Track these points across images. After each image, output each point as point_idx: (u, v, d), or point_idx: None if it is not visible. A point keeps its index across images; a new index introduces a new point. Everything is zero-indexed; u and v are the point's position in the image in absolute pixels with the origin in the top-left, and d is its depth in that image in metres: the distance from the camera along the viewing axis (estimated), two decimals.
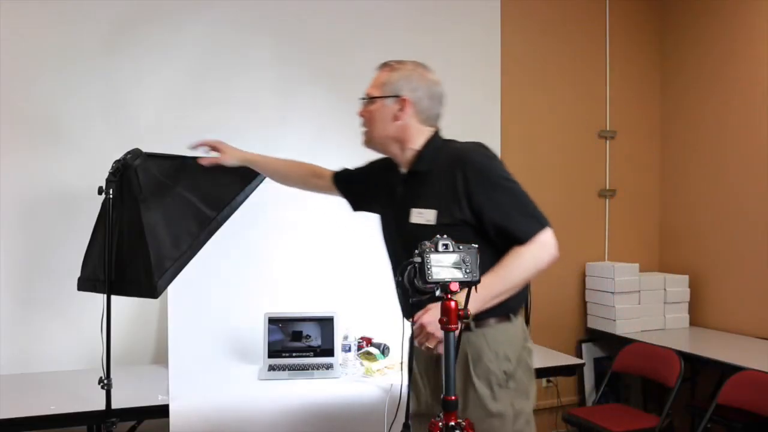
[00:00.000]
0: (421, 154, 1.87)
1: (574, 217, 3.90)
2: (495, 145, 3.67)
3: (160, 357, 2.88)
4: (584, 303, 3.91)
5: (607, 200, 4.02)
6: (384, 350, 2.84)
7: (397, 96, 1.86)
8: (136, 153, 2.22)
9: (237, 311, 2.93)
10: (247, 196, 2.39)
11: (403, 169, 1.92)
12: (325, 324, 2.84)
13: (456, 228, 1.76)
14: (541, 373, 2.97)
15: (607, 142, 4.01)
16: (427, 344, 1.72)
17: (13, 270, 2.79)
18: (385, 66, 1.94)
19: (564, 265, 3.84)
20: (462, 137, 3.67)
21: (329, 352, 2.81)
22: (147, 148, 2.29)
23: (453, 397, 1.75)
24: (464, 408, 1.81)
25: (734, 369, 2.91)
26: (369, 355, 2.77)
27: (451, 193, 1.78)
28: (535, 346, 3.15)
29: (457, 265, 1.77)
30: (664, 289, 3.79)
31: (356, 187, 2.14)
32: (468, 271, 1.78)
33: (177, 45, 3.04)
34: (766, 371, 2.79)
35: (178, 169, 2.30)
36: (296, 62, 3.24)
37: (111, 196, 2.13)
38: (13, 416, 2.20)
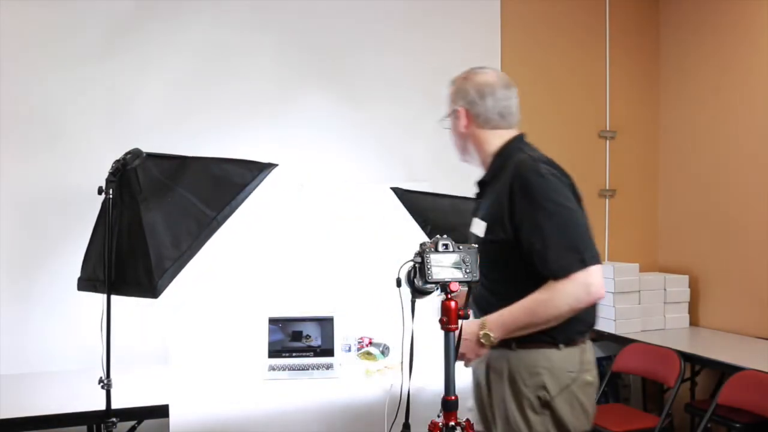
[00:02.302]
0: (492, 163, 1.85)
1: None
2: None
3: (160, 357, 2.88)
4: None
5: (607, 200, 4.02)
6: (384, 350, 2.84)
7: (455, 110, 1.89)
8: (136, 153, 2.22)
9: (237, 311, 2.93)
10: (247, 196, 2.39)
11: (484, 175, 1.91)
12: (325, 324, 2.84)
13: (498, 246, 1.72)
14: None
15: (607, 142, 4.01)
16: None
17: (13, 270, 2.79)
18: (450, 85, 1.96)
19: None
20: None
21: (329, 352, 2.81)
22: (147, 148, 2.29)
23: (453, 397, 1.75)
24: (495, 422, 1.80)
25: (734, 369, 2.91)
26: (369, 355, 2.77)
27: (499, 209, 1.72)
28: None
29: (457, 265, 1.77)
30: (664, 289, 3.78)
31: None
32: (468, 271, 1.78)
33: (177, 45, 3.04)
34: (766, 371, 2.78)
35: (178, 169, 2.29)
36: (296, 63, 3.24)
37: (111, 196, 2.12)
38: (13, 416, 2.20)
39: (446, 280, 1.75)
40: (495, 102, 1.85)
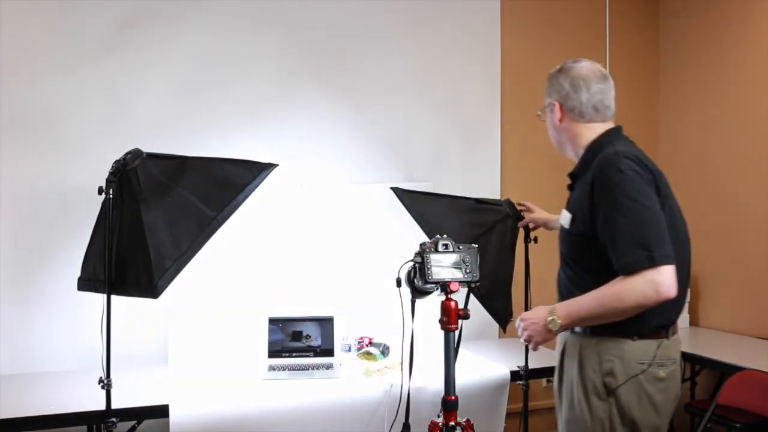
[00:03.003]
0: (583, 156, 1.86)
1: None
2: (495, 146, 3.67)
3: (160, 357, 2.88)
4: None
5: None
6: (384, 350, 2.84)
7: (550, 104, 1.92)
8: (136, 153, 2.22)
9: (237, 311, 2.93)
10: (247, 196, 2.39)
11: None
12: (325, 324, 2.84)
13: (578, 237, 1.76)
14: (541, 373, 2.97)
15: None
16: (522, 339, 1.77)
17: (13, 270, 2.79)
18: None
19: None
20: (463, 138, 3.70)
21: (329, 352, 2.81)
22: (147, 148, 2.29)
23: (453, 397, 1.75)
24: (561, 403, 1.85)
25: (734, 369, 2.91)
26: (369, 355, 2.77)
27: (582, 202, 1.74)
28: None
29: (456, 265, 1.77)
30: None
31: None
32: (468, 271, 1.78)
33: (177, 45, 3.04)
34: (766, 371, 2.79)
35: (179, 169, 2.30)
36: (296, 62, 3.24)
37: (111, 196, 2.13)
38: (13, 416, 2.20)
39: (446, 280, 1.75)
40: (590, 96, 1.86)
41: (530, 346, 1.78)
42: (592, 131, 1.86)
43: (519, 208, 2.74)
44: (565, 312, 1.70)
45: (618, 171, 1.66)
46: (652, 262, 1.56)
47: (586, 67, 1.92)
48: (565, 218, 1.81)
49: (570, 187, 1.91)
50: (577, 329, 1.77)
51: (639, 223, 1.61)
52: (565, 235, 1.82)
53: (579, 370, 1.76)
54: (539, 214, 2.66)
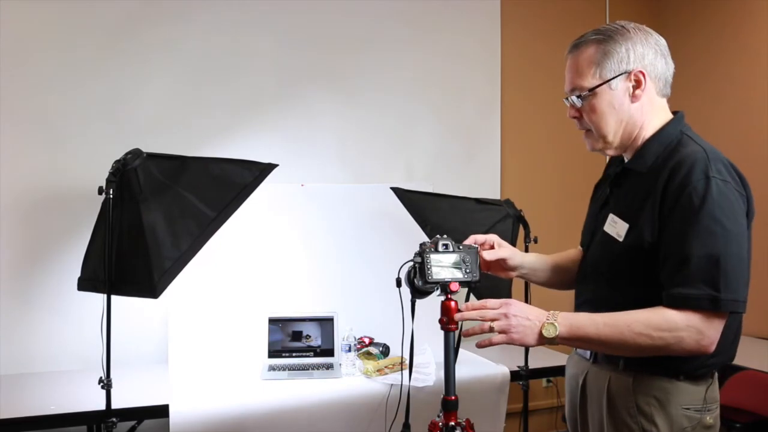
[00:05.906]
0: (645, 147, 1.46)
1: (573, 217, 3.88)
2: (495, 146, 3.67)
3: (160, 357, 2.88)
4: None
5: None
6: (384, 350, 2.84)
7: (626, 72, 1.44)
8: (136, 153, 2.22)
9: (237, 311, 2.93)
10: (247, 196, 2.39)
11: (626, 160, 1.53)
12: (325, 324, 2.84)
13: (636, 255, 1.39)
14: (541, 373, 2.97)
15: None
16: (494, 328, 1.37)
17: (13, 270, 2.79)
18: (588, 43, 1.49)
19: None
20: (463, 138, 3.70)
21: (329, 352, 2.81)
22: (147, 148, 2.29)
23: (453, 397, 1.75)
24: None
25: (734, 369, 2.91)
26: (369, 355, 2.77)
27: (649, 208, 1.38)
28: (535, 347, 3.15)
29: (457, 265, 1.77)
30: None
31: None
32: (468, 271, 1.78)
33: (178, 45, 3.04)
34: (766, 371, 2.79)
35: (178, 169, 2.30)
36: (296, 62, 3.24)
37: (111, 196, 2.13)
38: (13, 416, 2.20)
39: (446, 280, 1.75)
40: (668, 65, 1.50)
41: (491, 340, 1.38)
42: (664, 113, 1.50)
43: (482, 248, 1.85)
44: (570, 324, 1.34)
45: (705, 178, 1.33)
46: (715, 306, 1.28)
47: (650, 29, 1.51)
48: (619, 227, 1.44)
49: (612, 187, 1.57)
50: (602, 358, 1.51)
51: (714, 252, 1.29)
52: (616, 248, 1.44)
53: (609, 411, 1.46)
54: (503, 251, 1.80)
